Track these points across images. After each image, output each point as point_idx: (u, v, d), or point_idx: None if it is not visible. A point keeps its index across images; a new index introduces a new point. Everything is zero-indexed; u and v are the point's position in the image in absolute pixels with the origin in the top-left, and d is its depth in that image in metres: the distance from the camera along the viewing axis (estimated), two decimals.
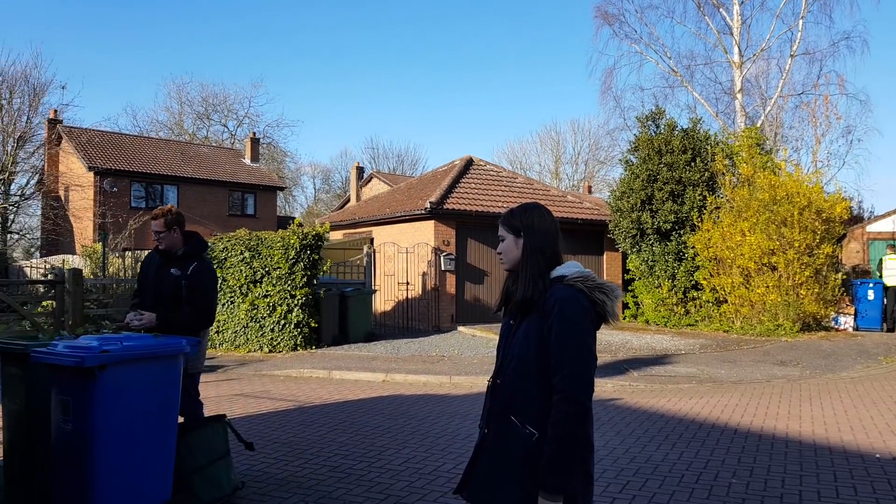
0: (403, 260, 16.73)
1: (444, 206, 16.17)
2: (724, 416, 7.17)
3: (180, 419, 4.22)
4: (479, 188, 18.21)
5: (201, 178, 29.99)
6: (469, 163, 19.69)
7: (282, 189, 36.80)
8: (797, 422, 6.92)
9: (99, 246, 18.08)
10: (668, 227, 16.28)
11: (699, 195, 16.16)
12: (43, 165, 28.00)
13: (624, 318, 17.58)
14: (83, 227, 27.15)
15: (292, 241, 12.56)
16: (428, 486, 4.92)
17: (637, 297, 17.35)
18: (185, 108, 47.89)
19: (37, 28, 66.48)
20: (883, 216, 20.93)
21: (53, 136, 28.34)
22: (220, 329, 13.25)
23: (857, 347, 12.78)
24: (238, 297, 13.01)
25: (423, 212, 16.01)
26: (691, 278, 16.20)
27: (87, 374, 3.49)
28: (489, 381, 2.47)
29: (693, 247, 15.92)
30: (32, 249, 34.63)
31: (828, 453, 5.74)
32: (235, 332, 13.06)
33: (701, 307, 16.15)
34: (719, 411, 7.45)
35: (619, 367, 10.30)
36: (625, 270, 18.29)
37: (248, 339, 12.92)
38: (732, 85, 24.53)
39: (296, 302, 12.55)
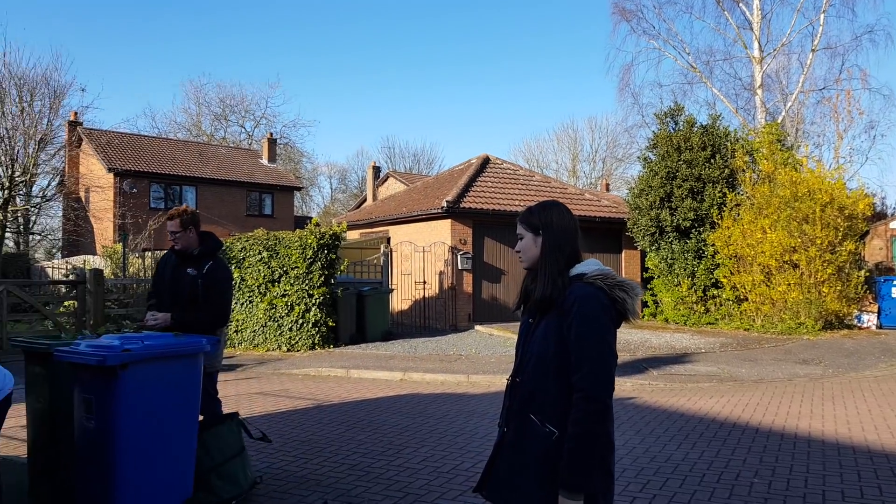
0: (420, 259, 16.74)
1: (461, 205, 16.16)
2: (746, 415, 7.10)
3: (200, 417, 4.26)
4: (496, 187, 18.17)
5: (219, 179, 30.25)
6: (485, 161, 19.65)
7: (299, 189, 37.01)
8: (820, 421, 6.83)
9: (119, 246, 18.29)
10: (688, 225, 16.14)
11: (719, 192, 16.01)
12: (64, 167, 28.40)
13: (643, 317, 17.46)
14: (103, 227, 27.49)
15: (310, 241, 12.62)
16: (447, 484, 4.92)
17: (656, 296, 17.23)
18: (203, 109, 48.34)
19: (57, 31, 67.44)
20: None
21: (74, 138, 28.71)
22: (239, 328, 13.35)
23: (881, 346, 12.59)
24: (256, 297, 13.10)
25: (439, 211, 16.01)
26: (711, 276, 16.06)
27: (109, 373, 3.53)
28: (508, 379, 2.46)
29: (713, 244, 15.78)
30: (54, 250, 35.16)
31: (851, 453, 5.66)
32: (254, 331, 13.15)
33: (721, 305, 16.01)
34: (740, 410, 7.37)
35: (639, 366, 10.23)
36: (644, 269, 18.17)
37: (266, 338, 13.00)
38: (752, 80, 24.26)
39: (313, 301, 12.60)
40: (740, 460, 5.46)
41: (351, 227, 20.18)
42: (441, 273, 16.33)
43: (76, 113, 28.79)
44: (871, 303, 15.63)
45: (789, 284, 14.56)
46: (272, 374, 10.50)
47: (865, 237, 18.10)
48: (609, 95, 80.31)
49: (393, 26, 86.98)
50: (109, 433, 3.58)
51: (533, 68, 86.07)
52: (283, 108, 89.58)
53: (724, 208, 15.76)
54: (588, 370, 2.16)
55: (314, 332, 12.66)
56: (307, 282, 12.59)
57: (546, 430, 2.22)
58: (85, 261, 21.23)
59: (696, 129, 16.90)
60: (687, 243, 16.26)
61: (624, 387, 8.82)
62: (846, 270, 14.78)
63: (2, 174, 22.48)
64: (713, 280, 16.06)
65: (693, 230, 16.22)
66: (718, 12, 25.05)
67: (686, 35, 56.39)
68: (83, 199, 28.71)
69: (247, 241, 13.47)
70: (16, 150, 22.75)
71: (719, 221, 15.68)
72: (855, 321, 15.34)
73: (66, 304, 13.40)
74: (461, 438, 6.24)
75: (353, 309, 13.67)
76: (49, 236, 35.02)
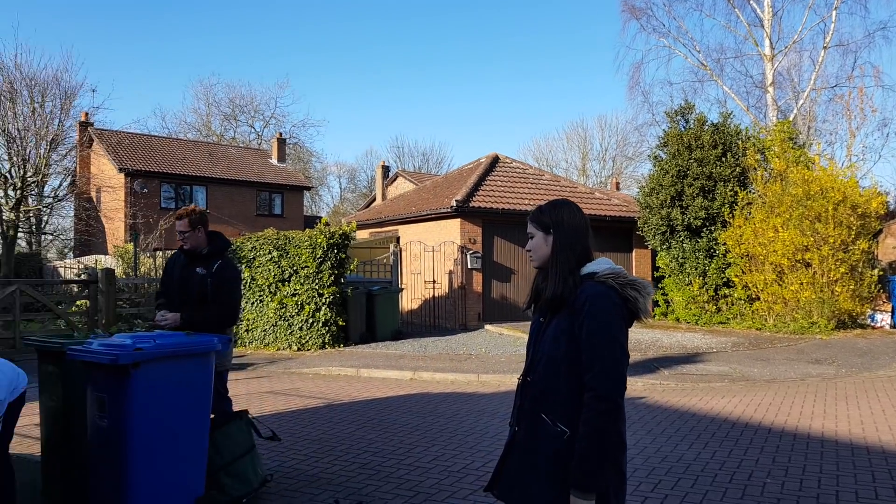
0: (430, 258, 16.74)
1: (470, 205, 16.14)
2: (758, 415, 7.05)
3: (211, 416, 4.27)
4: (506, 186, 18.15)
5: (229, 179, 30.38)
6: (495, 160, 19.63)
7: (308, 189, 37.11)
8: (833, 421, 6.78)
9: (130, 246, 18.42)
10: (699, 224, 16.06)
11: (730, 191, 15.92)
12: (75, 167, 28.61)
13: (654, 316, 17.38)
14: (115, 227, 27.67)
15: (319, 241, 12.65)
16: (457, 483, 4.92)
17: (667, 295, 17.15)
18: (213, 109, 48.64)
19: (67, 32, 67.93)
20: None
21: (85, 139, 28.90)
22: (250, 327, 13.40)
23: (895, 345, 12.47)
24: (267, 296, 13.14)
25: (449, 210, 16.01)
26: (723, 275, 15.97)
27: (121, 372, 3.55)
28: (519, 378, 2.46)
29: (724, 243, 15.69)
30: (66, 250, 35.42)
31: (865, 453, 5.61)
32: (264, 330, 13.20)
33: (733, 305, 15.92)
34: (752, 410, 7.32)
35: (650, 366, 10.19)
36: (654, 268, 18.09)
37: (276, 338, 13.05)
38: (763, 78, 24.10)
39: (323, 300, 12.63)
40: (752, 460, 5.43)
41: (360, 226, 20.22)
42: (451, 272, 16.33)
43: (87, 113, 28.98)
44: (884, 302, 15.49)
45: (802, 283, 14.46)
46: (283, 373, 10.53)
47: (879, 236, 17.90)
48: (619, 94, 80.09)
49: (401, 25, 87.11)
50: (122, 432, 3.60)
51: (542, 67, 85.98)
52: (293, 108, 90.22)
53: (736, 207, 15.67)
54: (599, 369, 2.15)
55: (324, 332, 12.68)
56: (317, 281, 12.62)
57: (557, 429, 2.22)
58: (96, 260, 21.38)
59: (706, 127, 16.81)
60: (698, 242, 16.18)
61: (635, 386, 8.79)
62: (859, 269, 14.66)
63: (14, 174, 22.66)
64: (724, 279, 15.98)
65: (704, 229, 16.14)
66: (729, 10, 24.93)
67: (696, 33, 56.12)
68: (94, 199, 28.90)
69: (257, 240, 13.52)
70: (28, 151, 22.93)
71: (731, 220, 15.59)
72: (868, 320, 15.21)
73: (78, 303, 13.50)
74: (471, 438, 6.24)
75: (363, 308, 13.69)
76: (61, 236, 35.28)
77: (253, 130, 48.50)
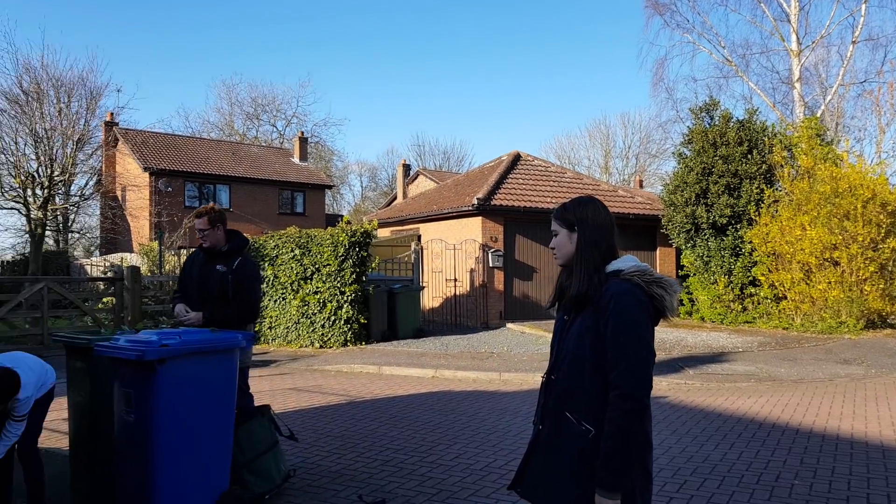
0: (451, 256, 16.73)
1: (492, 203, 16.10)
2: (785, 416, 6.94)
3: None
4: (527, 184, 18.08)
5: (252, 178, 30.65)
6: (516, 158, 19.56)
7: (330, 187, 37.31)
8: (862, 422, 6.65)
9: (155, 244, 18.64)
10: (724, 222, 15.87)
11: (756, 188, 15.69)
12: (101, 167, 29.04)
13: (678, 315, 17.19)
14: (140, 225, 28.05)
15: (341, 239, 12.70)
16: (480, 481, 4.90)
17: (692, 294, 16.97)
18: (235, 108, 49.12)
19: (92, 34, 68.96)
20: None
21: (110, 138, 29.33)
22: (273, 325, 13.51)
23: None
24: (289, 294, 13.23)
25: (470, 208, 15.98)
26: (748, 274, 15.76)
27: (147, 368, 3.59)
28: (543, 377, 2.44)
29: (750, 241, 15.48)
30: (92, 248, 35.96)
31: None
32: (287, 327, 13.29)
33: (759, 304, 15.70)
34: (779, 410, 7.21)
35: (674, 365, 10.08)
36: (679, 266, 17.91)
37: (299, 335, 13.13)
38: (790, 74, 23.72)
39: (345, 298, 12.68)
40: (780, 461, 5.34)
41: (381, 224, 20.27)
42: (472, 270, 16.31)
43: (112, 113, 29.40)
44: None
45: (830, 282, 14.22)
46: (305, 370, 10.59)
47: None
48: (642, 90, 79.32)
49: (422, 23, 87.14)
50: (148, 426, 3.64)
51: (564, 64, 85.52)
52: (314, 107, 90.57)
53: (762, 205, 15.45)
54: (625, 368, 2.13)
55: (346, 329, 12.74)
56: (339, 279, 12.68)
57: (582, 428, 2.20)
58: (122, 258, 21.67)
59: (732, 123, 16.59)
60: (723, 240, 15.98)
61: (659, 386, 8.70)
62: (889, 268, 14.37)
63: (41, 174, 23.06)
64: (750, 278, 15.76)
65: (730, 227, 15.93)
66: (754, 4, 24.57)
67: (721, 28, 55.29)
68: (120, 198, 29.33)
69: (279, 238, 13.62)
70: (55, 151, 23.32)
71: (757, 218, 15.38)
72: None
73: (104, 300, 13.70)
74: (494, 436, 6.22)
75: (385, 306, 13.72)
76: (87, 234, 35.84)
77: (275, 129, 48.94)
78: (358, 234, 12.83)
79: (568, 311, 2.37)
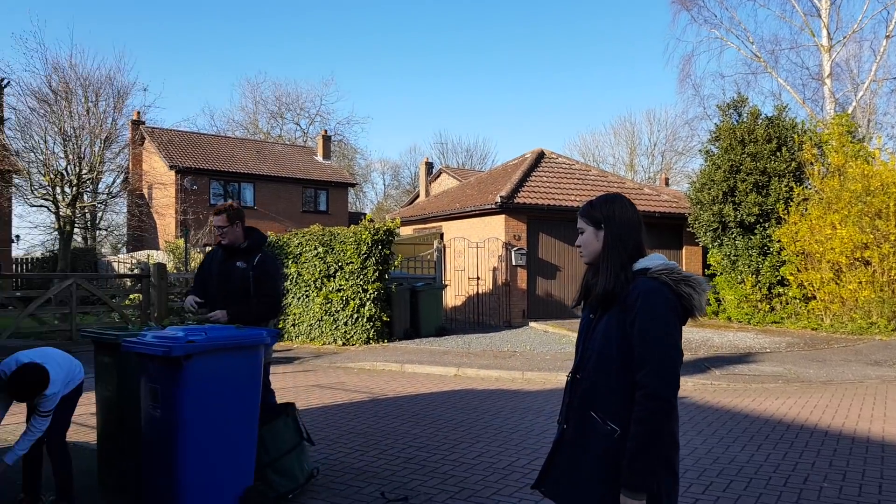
0: (473, 255, 16.70)
1: (515, 201, 16.04)
2: (814, 418, 6.81)
3: None
4: (551, 181, 17.97)
5: (276, 176, 30.91)
6: (540, 156, 19.46)
7: (353, 185, 37.48)
8: (893, 425, 6.50)
9: (181, 241, 18.89)
10: (752, 220, 15.63)
11: (785, 186, 15.43)
12: (128, 165, 29.46)
13: (705, 315, 17.00)
14: (166, 223, 28.43)
15: (364, 237, 12.75)
16: (502, 480, 4.88)
17: (718, 293, 16.75)
18: (260, 107, 49.50)
19: (119, 33, 70.02)
20: None
21: (137, 137, 29.76)
22: (296, 322, 13.60)
23: None
24: (313, 291, 13.31)
25: (493, 206, 15.93)
26: (777, 273, 15.51)
27: (174, 363, 3.62)
28: (568, 376, 2.41)
29: (779, 240, 15.24)
30: (119, 245, 36.51)
31: None
32: (310, 325, 13.37)
33: (787, 304, 15.45)
34: (808, 412, 7.08)
35: (700, 366, 9.96)
36: (705, 265, 17.69)
37: (322, 332, 13.20)
38: (820, 70, 23.27)
39: (368, 296, 12.72)
40: (808, 464, 5.25)
41: (404, 222, 20.30)
42: (495, 269, 16.26)
43: (139, 112, 29.80)
44: None
45: (860, 282, 13.94)
46: (328, 367, 10.65)
47: None
48: (668, 87, 78.41)
49: (444, 20, 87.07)
50: (174, 421, 3.67)
51: (588, 62, 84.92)
52: (337, 105, 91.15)
53: (791, 203, 15.19)
54: (652, 367, 2.09)
55: (369, 327, 12.78)
56: (362, 277, 12.72)
57: (608, 427, 2.17)
58: (149, 255, 21.97)
59: (760, 120, 16.33)
60: (751, 239, 15.75)
61: (685, 386, 8.58)
62: None
63: (70, 172, 23.41)
64: (779, 277, 15.51)
65: (758, 226, 15.69)
66: None
67: (749, 23, 54.50)
68: (146, 196, 29.74)
69: (303, 236, 13.71)
70: (83, 149, 23.66)
71: (786, 217, 15.13)
72: None
73: (131, 297, 13.89)
74: (516, 435, 6.19)
75: (407, 304, 13.75)
76: (115, 232, 36.40)
77: (299, 128, 49.26)
78: (381, 232, 12.87)
79: (594, 309, 2.34)
